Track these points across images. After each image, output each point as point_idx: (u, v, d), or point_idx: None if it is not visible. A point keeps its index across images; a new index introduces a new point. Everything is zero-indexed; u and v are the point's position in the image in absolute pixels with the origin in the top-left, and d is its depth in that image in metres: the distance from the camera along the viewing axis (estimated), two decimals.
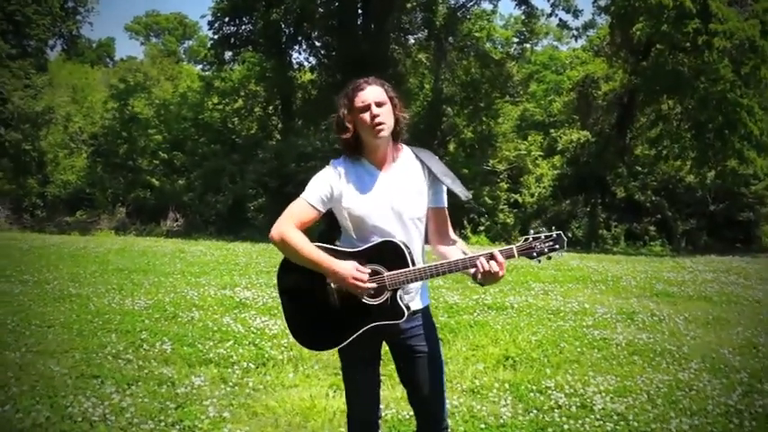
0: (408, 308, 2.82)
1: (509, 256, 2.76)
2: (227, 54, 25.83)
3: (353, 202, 2.83)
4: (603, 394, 4.96)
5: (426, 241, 3.00)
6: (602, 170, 23.63)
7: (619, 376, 5.46)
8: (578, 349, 6.32)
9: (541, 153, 25.34)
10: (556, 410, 4.68)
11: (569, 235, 21.89)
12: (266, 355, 5.80)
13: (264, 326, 6.78)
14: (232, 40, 25.23)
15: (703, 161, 20.81)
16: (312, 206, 2.82)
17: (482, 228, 22.55)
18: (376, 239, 2.81)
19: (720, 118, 19.23)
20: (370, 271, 2.73)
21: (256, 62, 26.72)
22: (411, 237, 2.87)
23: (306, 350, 5.86)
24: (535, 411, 4.67)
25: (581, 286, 10.34)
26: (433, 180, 2.92)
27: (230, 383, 5.11)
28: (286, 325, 2.98)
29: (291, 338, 6.20)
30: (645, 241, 22.67)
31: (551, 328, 7.17)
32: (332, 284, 2.78)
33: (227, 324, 6.88)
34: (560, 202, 23.64)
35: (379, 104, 2.79)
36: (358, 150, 2.87)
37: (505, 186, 23.78)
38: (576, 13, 25.25)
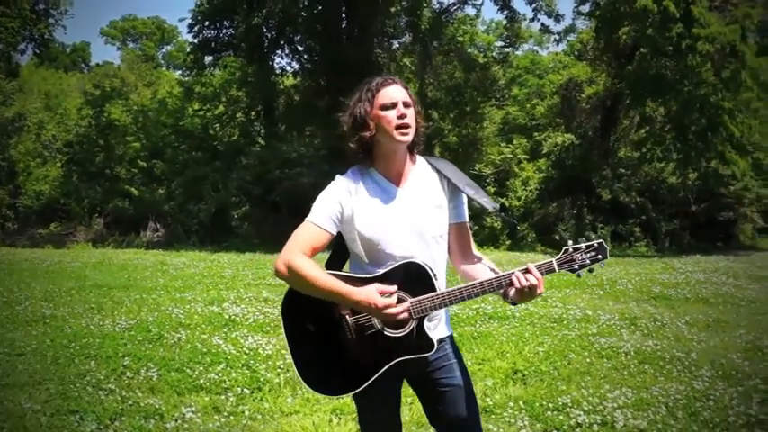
0: (439, 341, 2.49)
1: (549, 270, 2.45)
2: (208, 58, 25.54)
3: (368, 223, 2.46)
4: (623, 409, 4.77)
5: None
6: (587, 173, 23.74)
7: (633, 388, 5.30)
8: (587, 360, 6.19)
9: (527, 156, 25.32)
10: (577, 430, 4.45)
11: (556, 238, 22.17)
12: (261, 379, 5.41)
13: (258, 345, 6.41)
14: (212, 44, 24.97)
15: (686, 163, 21.20)
16: (322, 229, 2.44)
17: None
18: (392, 263, 2.45)
19: (703, 120, 19.60)
20: (395, 288, 2.37)
21: (238, 67, 26.35)
22: (434, 257, 2.52)
23: None
24: None
25: (579, 291, 10.32)
26: (453, 192, 2.60)
27: (224, 413, 4.71)
28: (295, 370, 2.55)
29: (289, 359, 5.89)
30: (630, 242, 22.75)
31: (557, 338, 7.05)
32: (347, 317, 2.43)
33: (217, 345, 6.49)
34: (547, 205, 23.69)
35: (405, 105, 2.46)
36: (370, 159, 2.52)
37: (492, 190, 23.80)
38: (558, 18, 25.80)
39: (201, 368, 5.72)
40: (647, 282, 11.53)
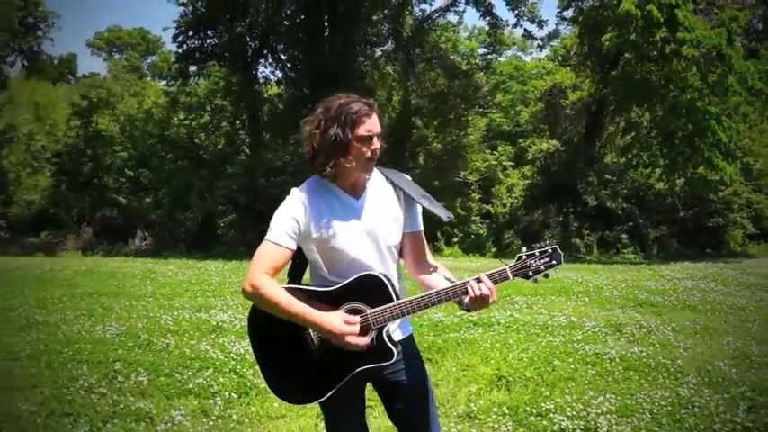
0: (397, 346, 2.56)
1: (503, 278, 2.55)
2: (192, 68, 25.55)
3: (325, 234, 2.54)
4: (607, 415, 4.77)
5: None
6: (572, 179, 23.72)
7: (617, 394, 5.27)
8: (571, 366, 6.15)
9: (511, 163, 25.34)
10: None
11: (541, 245, 22.01)
12: (248, 384, 5.46)
13: (245, 351, 6.41)
14: (197, 54, 24.95)
15: (673, 168, 20.88)
16: (281, 246, 2.51)
17: (456, 239, 22.43)
18: (352, 274, 2.54)
19: (689, 126, 19.32)
20: (359, 320, 2.46)
21: (222, 76, 26.34)
22: (388, 266, 2.63)
23: None
24: None
25: (564, 298, 10.22)
26: (409, 203, 2.69)
27: (213, 416, 4.79)
28: (264, 379, 2.67)
29: None
30: (618, 249, 22.78)
31: (541, 345, 6.98)
32: (310, 330, 2.51)
33: (204, 350, 6.53)
34: (532, 212, 23.65)
35: (378, 136, 2.53)
36: (332, 173, 2.56)
37: (477, 197, 23.79)
38: (541, 24, 25.86)
39: (190, 373, 5.77)
40: (633, 288, 11.39)
